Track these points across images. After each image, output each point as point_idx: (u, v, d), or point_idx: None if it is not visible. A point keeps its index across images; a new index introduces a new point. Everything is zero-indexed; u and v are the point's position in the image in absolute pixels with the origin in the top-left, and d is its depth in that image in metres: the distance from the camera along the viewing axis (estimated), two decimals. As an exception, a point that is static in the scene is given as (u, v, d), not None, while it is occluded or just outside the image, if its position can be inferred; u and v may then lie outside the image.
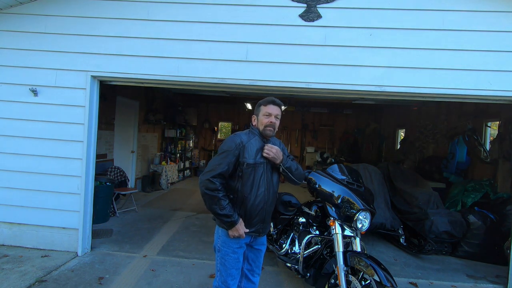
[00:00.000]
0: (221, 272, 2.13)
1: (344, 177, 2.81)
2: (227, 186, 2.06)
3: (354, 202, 2.56)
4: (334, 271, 2.52)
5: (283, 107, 2.39)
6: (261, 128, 2.14)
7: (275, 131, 2.18)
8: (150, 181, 7.87)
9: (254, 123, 2.20)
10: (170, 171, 8.40)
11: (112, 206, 5.32)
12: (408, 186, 4.85)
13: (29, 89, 3.63)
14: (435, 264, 4.09)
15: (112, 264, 3.49)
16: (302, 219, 3.20)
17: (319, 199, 3.01)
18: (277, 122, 2.16)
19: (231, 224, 2.00)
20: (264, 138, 2.16)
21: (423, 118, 7.56)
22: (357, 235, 2.62)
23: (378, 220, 4.23)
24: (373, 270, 2.23)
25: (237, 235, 2.04)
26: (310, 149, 11.15)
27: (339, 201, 2.61)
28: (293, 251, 3.16)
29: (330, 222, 2.63)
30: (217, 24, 3.56)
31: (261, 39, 3.54)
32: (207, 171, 2.02)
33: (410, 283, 3.46)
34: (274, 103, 2.15)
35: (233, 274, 2.12)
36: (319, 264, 2.80)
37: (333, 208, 2.63)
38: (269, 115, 2.12)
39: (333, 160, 9.29)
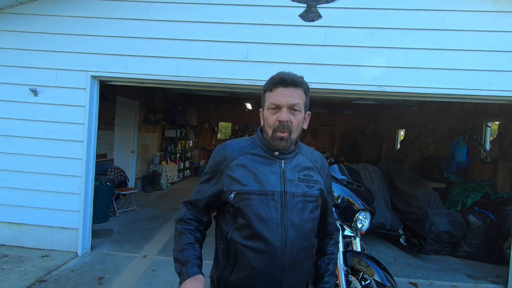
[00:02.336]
0: None
1: (344, 177, 2.81)
2: (219, 232, 1.26)
3: (354, 202, 2.56)
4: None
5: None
6: (269, 132, 1.18)
7: (296, 136, 1.19)
8: (150, 181, 7.87)
9: (262, 123, 1.26)
10: (170, 171, 8.40)
11: (112, 206, 5.32)
12: (408, 186, 4.86)
13: (29, 89, 3.63)
14: (435, 264, 4.09)
15: (112, 264, 3.49)
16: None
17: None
18: (297, 119, 1.16)
19: (180, 276, 1.15)
20: (275, 151, 1.20)
21: (423, 118, 7.56)
22: (357, 235, 2.62)
23: (378, 220, 4.23)
24: (373, 270, 2.23)
25: None
26: (310, 149, 11.14)
27: (339, 201, 2.61)
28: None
29: (330, 222, 2.63)
30: (217, 24, 3.56)
31: (261, 39, 3.54)
32: None
33: (410, 283, 3.46)
34: (284, 83, 1.14)
35: None
36: (319, 264, 2.80)
37: (333, 208, 2.63)
38: (276, 108, 1.15)
39: (333, 160, 9.27)
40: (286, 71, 1.18)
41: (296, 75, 1.17)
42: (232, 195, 1.17)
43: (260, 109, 1.27)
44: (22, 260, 3.40)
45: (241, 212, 1.15)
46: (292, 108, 1.14)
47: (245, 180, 1.17)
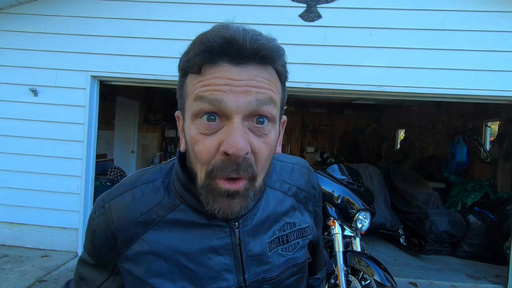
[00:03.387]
0: None
1: (344, 177, 2.81)
2: None
3: (354, 202, 2.56)
4: (334, 271, 2.52)
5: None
6: (201, 174, 0.51)
7: (263, 177, 0.54)
8: (150, 181, 7.86)
9: (181, 147, 0.57)
10: (170, 171, 8.39)
11: (112, 206, 5.31)
12: (408, 186, 4.86)
13: (29, 89, 3.63)
14: (435, 264, 4.09)
15: (112, 264, 3.49)
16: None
17: (319, 199, 3.01)
18: (267, 141, 0.51)
19: None
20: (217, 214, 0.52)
21: (423, 118, 7.56)
22: (357, 235, 2.62)
23: (378, 220, 4.23)
24: (373, 270, 2.23)
25: None
26: (310, 149, 11.15)
27: (339, 201, 2.61)
28: (293, 251, 3.15)
29: (330, 222, 2.63)
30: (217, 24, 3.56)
31: (261, 39, 3.54)
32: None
33: (410, 283, 3.46)
34: (234, 54, 0.48)
35: None
36: (319, 264, 2.80)
37: (333, 208, 2.63)
38: (216, 118, 0.49)
39: (333, 160, 9.29)
40: (236, 23, 0.53)
41: (260, 33, 0.51)
42: None
43: (177, 113, 0.60)
44: (22, 260, 3.40)
45: None
46: (257, 115, 0.50)
47: (162, 283, 0.56)
